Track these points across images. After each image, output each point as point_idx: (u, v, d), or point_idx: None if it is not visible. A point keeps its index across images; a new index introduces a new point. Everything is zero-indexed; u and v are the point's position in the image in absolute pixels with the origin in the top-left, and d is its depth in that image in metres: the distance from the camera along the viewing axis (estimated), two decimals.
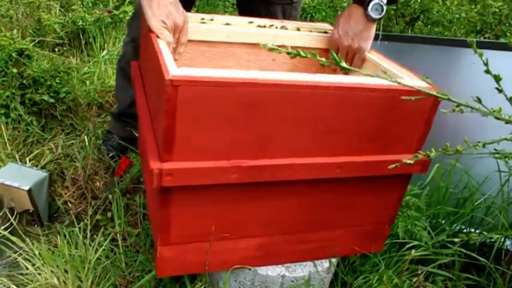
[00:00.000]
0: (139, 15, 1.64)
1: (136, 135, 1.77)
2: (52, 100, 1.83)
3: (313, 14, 2.16)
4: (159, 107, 0.87)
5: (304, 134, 0.93)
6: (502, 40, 1.69)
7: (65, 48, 2.36)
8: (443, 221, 1.45)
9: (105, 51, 2.39)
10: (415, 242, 1.30)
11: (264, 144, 0.91)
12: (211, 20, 1.24)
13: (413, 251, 1.24)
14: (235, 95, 0.83)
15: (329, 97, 0.91)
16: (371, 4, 1.16)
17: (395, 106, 0.99)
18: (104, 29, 2.47)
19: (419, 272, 1.20)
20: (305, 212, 1.07)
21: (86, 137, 1.75)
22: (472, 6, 1.68)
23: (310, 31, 1.30)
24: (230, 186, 0.92)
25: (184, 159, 0.87)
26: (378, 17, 1.18)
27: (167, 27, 1.06)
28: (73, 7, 2.44)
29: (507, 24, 1.67)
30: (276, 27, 1.27)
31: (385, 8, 1.20)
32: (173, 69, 0.82)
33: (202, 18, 1.24)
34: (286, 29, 1.27)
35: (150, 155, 0.89)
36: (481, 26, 1.65)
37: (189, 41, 1.15)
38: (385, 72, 1.09)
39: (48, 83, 1.85)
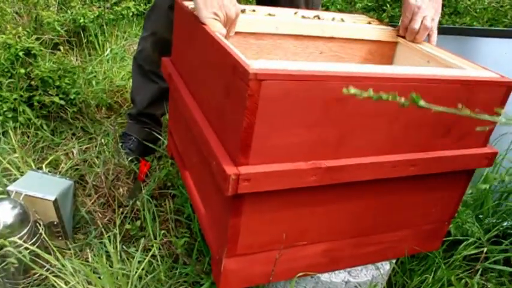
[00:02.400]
0: (159, 8, 1.54)
1: (156, 135, 1.68)
2: (62, 102, 1.71)
3: (329, 6, 2.10)
4: (233, 106, 0.78)
5: (382, 130, 0.87)
6: None
7: (66, 47, 2.22)
8: (488, 217, 1.40)
9: (109, 50, 2.27)
10: (471, 239, 1.25)
11: (342, 142, 0.84)
12: (253, 10, 1.16)
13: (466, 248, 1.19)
14: (320, 90, 0.76)
15: (409, 89, 0.85)
16: None
17: (469, 98, 0.93)
18: (105, 27, 2.35)
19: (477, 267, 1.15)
20: (372, 213, 1.00)
21: (103, 141, 1.63)
22: None
23: (354, 22, 1.23)
24: (305, 189, 0.85)
25: (261, 162, 0.79)
26: None
27: (220, 20, 0.97)
28: (72, 3, 2.31)
29: None
30: (320, 18, 1.19)
31: None
32: (252, 62, 0.74)
33: (243, 10, 1.15)
34: (333, 19, 1.20)
35: (220, 159, 0.80)
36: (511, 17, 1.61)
37: (237, 32, 1.07)
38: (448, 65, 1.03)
39: (57, 83, 1.73)
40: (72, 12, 2.24)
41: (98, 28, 2.33)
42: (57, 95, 1.74)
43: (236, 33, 1.07)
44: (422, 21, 1.17)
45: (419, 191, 1.02)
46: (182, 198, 1.40)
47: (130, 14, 2.36)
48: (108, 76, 2.13)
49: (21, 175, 1.40)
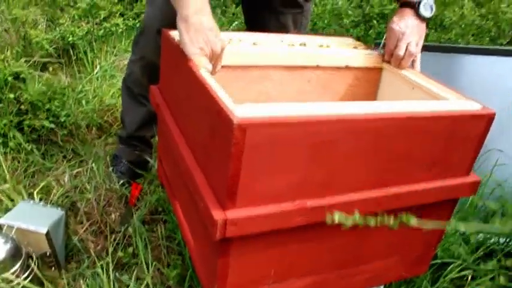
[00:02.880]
0: (148, 32, 1.55)
1: (147, 159, 1.68)
2: (52, 125, 1.72)
3: (317, 22, 2.11)
4: (218, 150, 0.80)
5: (366, 167, 0.88)
6: None
7: (55, 66, 2.22)
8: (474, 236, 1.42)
9: (98, 67, 2.27)
10: (457, 262, 1.27)
11: (327, 181, 0.85)
12: (240, 40, 1.17)
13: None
14: (305, 134, 0.77)
15: (392, 127, 0.86)
16: (422, 4, 1.19)
17: (452, 131, 0.95)
18: (94, 43, 2.35)
19: None
20: (359, 245, 1.01)
21: (94, 165, 1.64)
22: (483, 11, 1.67)
23: (340, 47, 1.25)
24: (291, 228, 0.86)
25: (247, 205, 0.80)
26: (430, 15, 1.23)
27: (206, 55, 0.98)
28: (60, 21, 2.31)
29: None
30: (306, 45, 1.21)
31: (434, 7, 1.23)
32: (236, 109, 0.75)
33: (230, 39, 1.16)
34: (320, 46, 1.21)
35: (208, 202, 0.81)
36: (496, 32, 1.64)
37: (224, 66, 1.08)
38: (434, 94, 1.05)
39: (47, 106, 1.73)
40: (60, 30, 2.24)
41: (87, 45, 2.33)
42: (47, 118, 1.74)
43: (223, 66, 1.08)
44: (407, 48, 1.19)
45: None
46: (173, 224, 1.41)
47: (120, 30, 2.36)
48: (98, 95, 2.13)
49: (13, 204, 1.41)
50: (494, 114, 1.00)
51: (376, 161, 0.88)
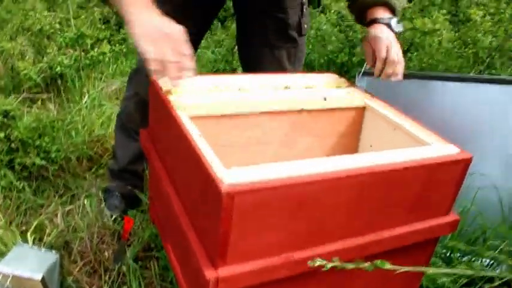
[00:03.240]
0: (142, 71, 1.57)
1: (139, 193, 1.71)
2: (43, 162, 1.74)
3: None
4: (208, 210, 0.83)
5: (349, 216, 0.93)
6: (493, 72, 1.75)
7: (44, 96, 2.24)
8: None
9: (87, 96, 2.29)
10: None
11: (312, 234, 0.89)
12: (226, 86, 1.20)
13: None
14: (291, 195, 0.81)
15: (376, 180, 0.91)
16: (393, 21, 1.32)
17: (434, 176, 0.99)
18: (82, 71, 2.37)
19: None
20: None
21: (86, 202, 1.66)
22: (460, 40, 1.73)
23: (323, 88, 1.29)
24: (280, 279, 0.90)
25: (237, 262, 0.84)
26: (401, 30, 1.36)
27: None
28: (48, 50, 2.32)
29: (496, 56, 1.73)
30: (290, 88, 1.25)
31: (402, 25, 1.36)
32: (224, 176, 0.79)
33: (217, 85, 1.20)
34: (305, 87, 1.25)
35: (199, 258, 0.85)
36: (474, 59, 1.70)
37: (211, 116, 1.11)
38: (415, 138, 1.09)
39: (37, 143, 1.75)
40: (47, 60, 2.26)
41: (75, 73, 2.35)
42: (38, 154, 1.76)
43: (210, 116, 1.12)
44: (397, 54, 1.29)
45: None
46: (166, 261, 1.44)
47: (107, 58, 2.39)
48: (88, 124, 2.15)
49: (6, 246, 1.43)
50: (471, 158, 1.05)
51: (358, 211, 0.92)
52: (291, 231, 0.86)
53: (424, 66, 1.76)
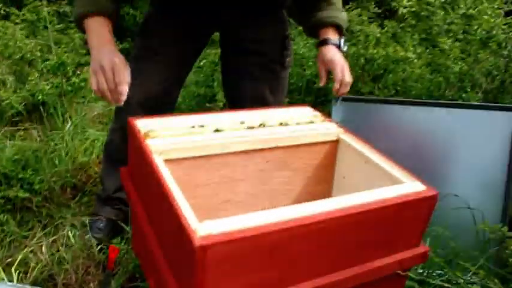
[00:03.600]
0: (127, 103, 1.59)
1: (123, 220, 1.73)
2: (27, 194, 1.76)
3: None
4: (184, 257, 0.87)
5: (320, 257, 0.97)
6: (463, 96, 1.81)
7: (26, 125, 2.26)
8: None
9: (70, 122, 2.32)
10: None
11: (285, 276, 0.94)
12: (202, 126, 1.24)
13: None
14: (263, 243, 0.86)
15: (346, 223, 0.95)
16: (342, 42, 1.54)
17: (402, 213, 1.04)
18: (64, 97, 2.39)
19: None
20: None
21: (70, 232, 1.69)
22: (431, 63, 1.80)
23: (298, 123, 1.34)
24: None
25: None
26: (346, 49, 1.59)
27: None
28: (29, 78, 2.34)
29: (466, 81, 1.79)
30: (265, 125, 1.29)
31: (346, 44, 1.60)
32: (198, 228, 0.82)
33: (193, 126, 1.24)
34: (280, 124, 1.30)
35: None
36: (445, 85, 1.76)
37: (185, 158, 1.15)
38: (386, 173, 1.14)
39: (20, 175, 1.77)
40: (29, 88, 2.27)
41: (57, 99, 2.37)
42: (21, 186, 1.78)
43: (186, 158, 1.15)
44: (349, 75, 1.50)
45: None
46: None
47: (89, 85, 2.41)
48: (71, 151, 2.17)
49: None
50: (437, 195, 1.09)
51: (328, 252, 0.97)
52: (263, 277, 0.90)
53: (399, 90, 1.82)
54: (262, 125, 1.29)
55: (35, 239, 1.72)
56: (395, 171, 1.15)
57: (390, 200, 1.02)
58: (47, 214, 1.85)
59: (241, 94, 1.72)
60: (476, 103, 1.71)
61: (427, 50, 1.94)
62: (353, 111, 1.85)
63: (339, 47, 1.52)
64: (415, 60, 1.77)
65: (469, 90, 1.76)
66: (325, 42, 1.52)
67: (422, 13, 1.89)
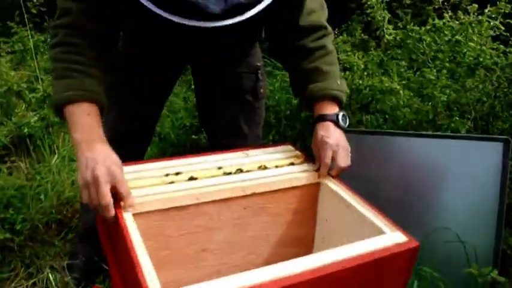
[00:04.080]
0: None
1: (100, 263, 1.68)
2: (8, 235, 1.72)
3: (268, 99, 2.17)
4: None
5: None
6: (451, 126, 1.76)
7: (12, 158, 2.23)
8: None
9: (57, 155, 2.29)
10: None
11: None
12: (176, 174, 1.21)
13: None
14: None
15: (325, 281, 0.91)
16: (340, 117, 1.30)
17: (384, 265, 1.00)
18: (51, 128, 2.36)
19: None
20: None
21: (50, 274, 1.65)
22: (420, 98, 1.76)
23: (277, 166, 1.30)
24: None
25: None
26: (347, 125, 1.33)
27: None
28: (16, 110, 2.32)
29: (455, 109, 1.75)
30: (242, 170, 1.25)
31: (347, 118, 1.34)
32: None
33: (167, 174, 1.20)
34: (259, 167, 1.26)
35: None
36: (433, 114, 1.71)
37: (158, 210, 1.11)
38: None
39: (1, 215, 1.74)
40: (16, 120, 2.25)
41: (44, 130, 2.34)
42: (2, 226, 1.75)
43: (158, 210, 1.12)
44: (344, 160, 1.28)
45: None
46: None
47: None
48: (58, 185, 2.14)
49: None
50: (418, 246, 1.05)
51: None
52: None
53: (387, 118, 1.78)
54: (239, 170, 1.25)
55: (16, 281, 1.69)
56: (376, 220, 1.11)
57: (370, 254, 0.97)
58: (30, 253, 1.82)
59: (217, 125, 1.70)
60: (464, 134, 1.67)
61: (415, 76, 1.89)
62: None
63: (336, 123, 1.30)
64: (401, 91, 1.73)
65: (457, 118, 1.71)
66: (320, 118, 1.32)
67: (408, 41, 1.86)
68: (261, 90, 1.66)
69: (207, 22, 1.03)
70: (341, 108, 1.35)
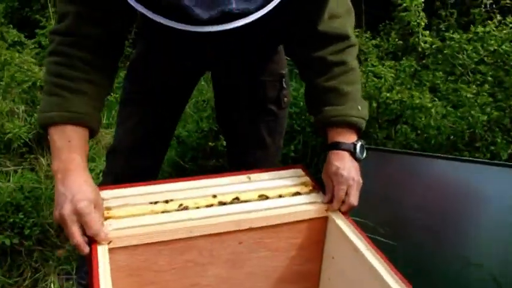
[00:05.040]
0: (118, 152, 1.53)
1: None
2: (16, 240, 1.71)
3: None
4: None
5: None
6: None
7: (32, 156, 2.22)
8: None
9: None
10: None
11: None
12: (166, 202, 1.11)
13: None
14: None
15: None
16: (358, 147, 1.16)
17: None
18: None
19: None
20: None
21: (53, 285, 1.62)
22: (457, 114, 1.55)
23: (280, 195, 1.17)
24: None
25: None
26: (364, 156, 1.18)
27: None
28: (38, 107, 2.30)
29: (497, 130, 1.54)
30: (239, 199, 1.14)
31: (365, 149, 1.19)
32: None
33: (155, 202, 1.10)
34: (259, 196, 1.14)
35: None
36: (469, 136, 1.52)
37: (144, 244, 1.02)
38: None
39: (11, 220, 1.72)
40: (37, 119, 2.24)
41: None
42: (12, 229, 1.73)
43: (143, 244, 1.02)
44: (355, 197, 1.14)
45: None
46: None
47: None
48: None
49: None
50: None
51: None
52: None
53: (416, 139, 1.58)
54: (236, 199, 1.14)
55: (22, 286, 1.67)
56: (387, 276, 0.97)
57: None
58: (39, 258, 1.80)
59: (237, 135, 1.61)
60: (505, 163, 1.47)
61: (452, 91, 1.68)
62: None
63: (353, 153, 1.16)
64: (433, 110, 1.53)
65: (499, 140, 1.51)
66: (333, 146, 1.17)
67: (446, 51, 1.63)
68: (285, 99, 1.55)
69: (194, 27, 0.93)
70: (359, 137, 1.19)
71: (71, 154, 1.02)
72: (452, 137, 1.53)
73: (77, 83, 1.09)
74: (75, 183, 0.99)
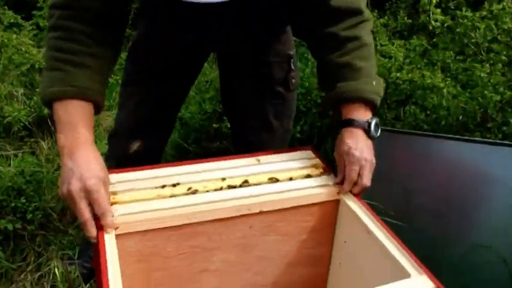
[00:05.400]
0: (119, 135, 1.51)
1: None
2: (18, 225, 1.68)
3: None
4: None
5: None
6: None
7: (32, 140, 2.18)
8: None
9: None
10: None
11: None
12: (174, 185, 1.08)
13: None
14: None
15: None
16: (372, 124, 1.11)
17: None
18: None
19: None
20: None
21: (56, 268, 1.60)
22: (467, 94, 1.51)
23: (291, 178, 1.14)
24: None
25: None
26: (378, 134, 1.13)
27: None
28: (38, 89, 2.26)
29: (509, 110, 1.50)
30: (249, 183, 1.10)
31: (379, 127, 1.14)
32: None
33: (163, 186, 1.07)
34: (269, 179, 1.11)
35: None
36: (481, 116, 1.48)
37: (153, 230, 0.99)
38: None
39: (13, 204, 1.70)
40: (37, 101, 2.20)
41: None
42: (14, 214, 1.71)
43: (151, 230, 1.00)
44: (368, 179, 1.10)
45: None
46: None
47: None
48: None
49: None
50: None
51: None
52: None
53: (426, 119, 1.54)
54: (245, 182, 1.11)
55: (23, 274, 1.65)
56: (400, 257, 0.94)
57: None
58: (42, 242, 1.78)
59: (243, 118, 1.58)
60: None
61: (463, 70, 1.64)
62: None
63: (367, 131, 1.11)
64: (445, 90, 1.49)
65: (511, 121, 1.47)
66: (347, 123, 1.13)
67: (458, 29, 1.58)
68: (293, 80, 1.50)
69: None
70: (374, 114, 1.14)
71: (78, 128, 0.99)
72: (462, 117, 1.49)
73: (80, 56, 1.05)
74: (84, 159, 0.97)
